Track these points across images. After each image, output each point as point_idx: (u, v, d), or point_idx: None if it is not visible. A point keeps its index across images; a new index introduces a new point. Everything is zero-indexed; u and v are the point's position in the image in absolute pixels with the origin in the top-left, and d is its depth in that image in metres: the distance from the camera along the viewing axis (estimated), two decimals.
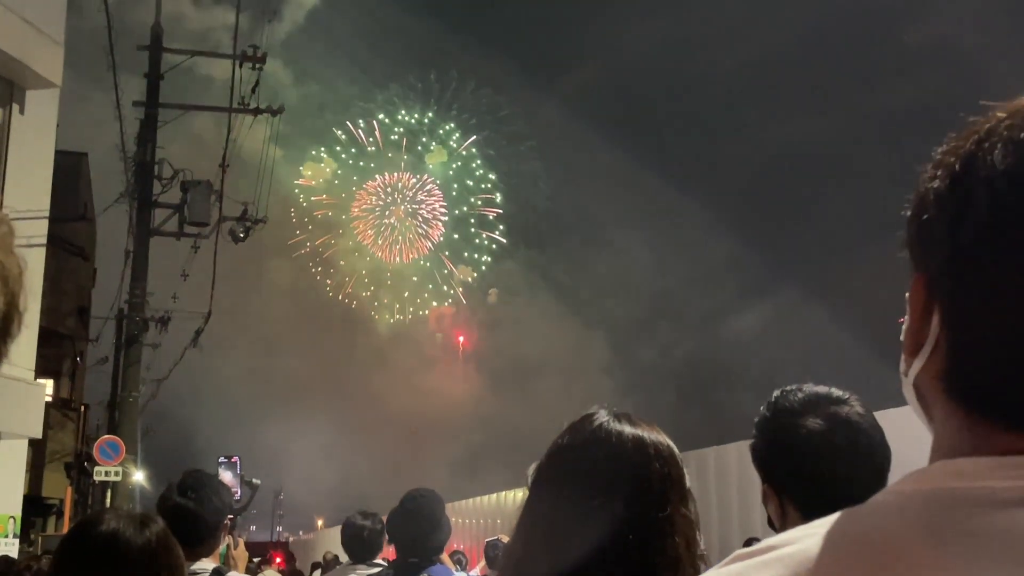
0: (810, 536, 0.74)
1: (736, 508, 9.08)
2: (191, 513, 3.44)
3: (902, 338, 0.84)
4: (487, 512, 20.94)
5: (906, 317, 0.83)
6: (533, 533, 1.68)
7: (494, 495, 20.76)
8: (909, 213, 0.82)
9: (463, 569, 10.93)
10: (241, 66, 19.80)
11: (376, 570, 4.93)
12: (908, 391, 0.83)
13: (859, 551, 0.70)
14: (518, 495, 18.66)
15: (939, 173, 0.79)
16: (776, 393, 1.92)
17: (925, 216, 0.79)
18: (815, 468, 1.72)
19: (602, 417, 1.73)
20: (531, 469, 1.78)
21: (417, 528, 4.12)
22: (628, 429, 1.70)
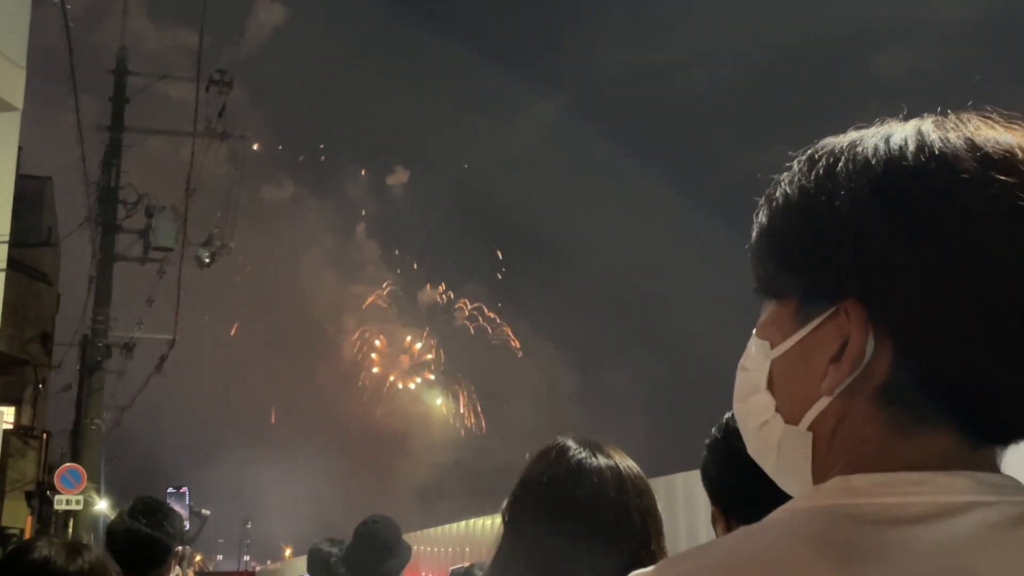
0: (702, 557, 0.72)
1: (704, 533, 9.16)
2: (142, 537, 3.40)
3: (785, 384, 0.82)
4: (455, 540, 20.81)
5: (792, 356, 0.81)
6: (510, 572, 1.65)
7: (462, 523, 20.64)
8: (801, 247, 0.80)
9: None
10: (208, 90, 19.73)
11: None
12: (802, 439, 0.80)
13: (751, 569, 0.69)
14: (486, 523, 18.56)
15: (830, 196, 0.78)
16: (728, 415, 1.89)
17: (835, 239, 0.77)
18: (763, 490, 1.68)
19: (578, 451, 1.69)
20: (504, 504, 1.74)
21: (371, 555, 4.07)
22: (604, 462, 1.68)
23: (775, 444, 0.83)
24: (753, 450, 0.88)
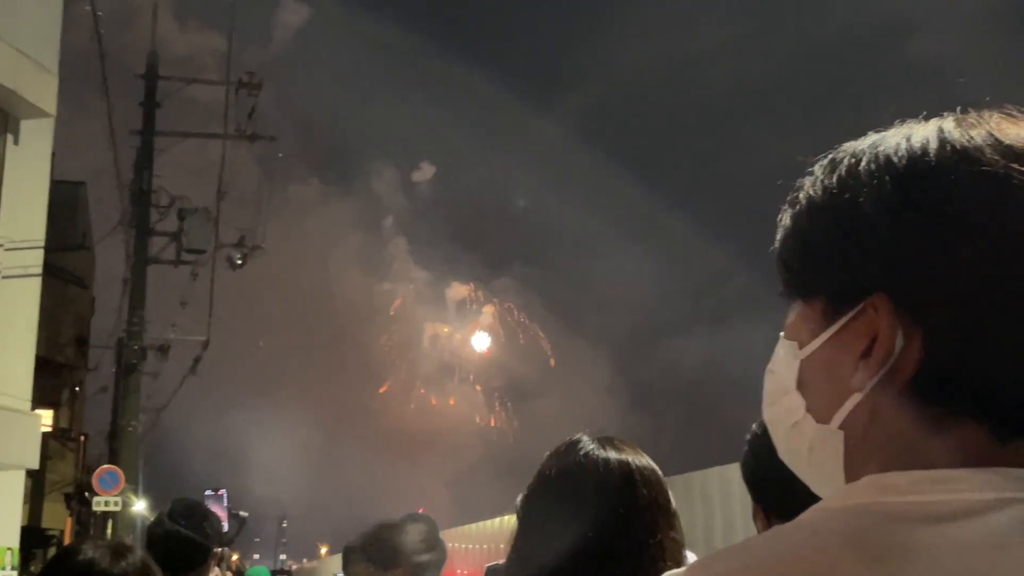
0: (734, 558, 0.72)
1: (720, 531, 9.20)
2: (182, 539, 3.43)
3: (818, 383, 0.82)
4: (489, 537, 20.85)
5: (820, 352, 0.81)
6: (524, 565, 1.68)
7: (496, 519, 20.67)
8: (826, 246, 0.81)
9: None
10: (236, 92, 19.86)
11: None
12: (833, 437, 0.81)
13: (785, 570, 0.69)
14: None
15: (854, 194, 0.80)
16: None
17: (861, 237, 0.78)
18: (803, 486, 1.68)
19: (587, 444, 1.73)
20: (519, 499, 1.76)
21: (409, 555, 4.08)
22: (613, 455, 1.70)
23: (807, 444, 0.83)
24: (784, 452, 0.88)
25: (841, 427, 0.80)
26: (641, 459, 1.72)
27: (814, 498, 0.86)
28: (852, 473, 0.79)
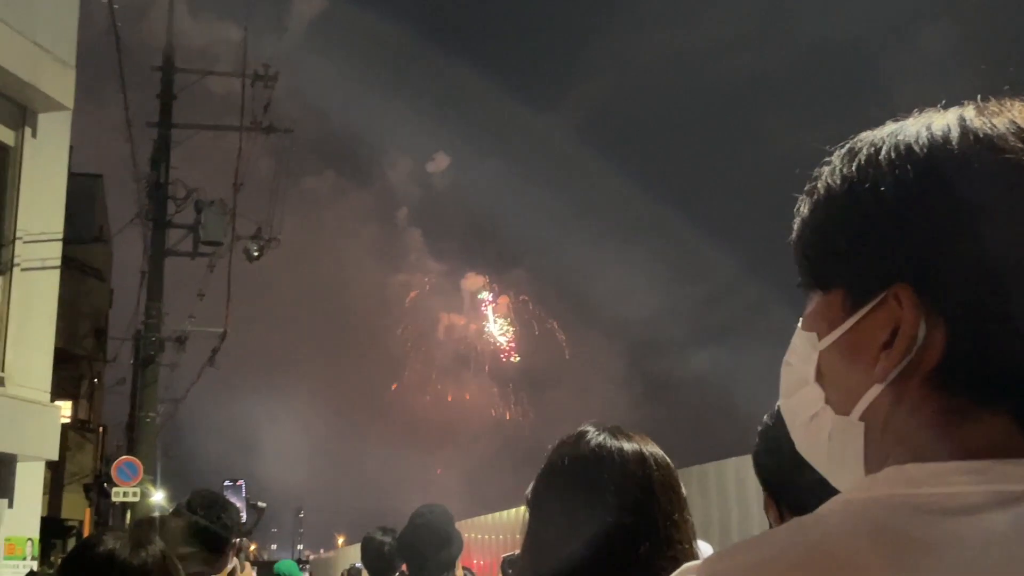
0: (753, 550, 0.72)
1: (736, 522, 9.19)
2: (200, 530, 3.45)
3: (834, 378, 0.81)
4: (505, 527, 20.88)
5: (835, 347, 0.81)
6: (542, 556, 1.69)
7: (512, 510, 20.69)
8: (846, 236, 0.80)
9: None
10: (253, 85, 19.90)
11: None
12: (853, 429, 0.80)
13: (805, 563, 0.68)
14: None
15: (874, 183, 0.79)
16: (780, 402, 1.89)
17: (881, 226, 0.77)
18: (815, 478, 1.68)
19: (596, 434, 1.74)
20: (529, 490, 1.78)
21: (426, 544, 4.10)
22: (626, 444, 1.72)
23: (825, 437, 0.82)
24: (802, 445, 0.87)
25: (861, 418, 0.79)
26: (651, 446, 1.74)
27: (826, 490, 0.86)
28: (872, 465, 0.78)
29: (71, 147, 14.72)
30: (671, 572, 0.76)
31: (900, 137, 0.79)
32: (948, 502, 0.69)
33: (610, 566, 1.57)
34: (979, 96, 0.81)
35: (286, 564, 8.89)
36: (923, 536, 0.67)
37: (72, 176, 15.32)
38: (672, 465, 1.75)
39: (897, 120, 0.83)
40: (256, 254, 20.09)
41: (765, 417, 1.91)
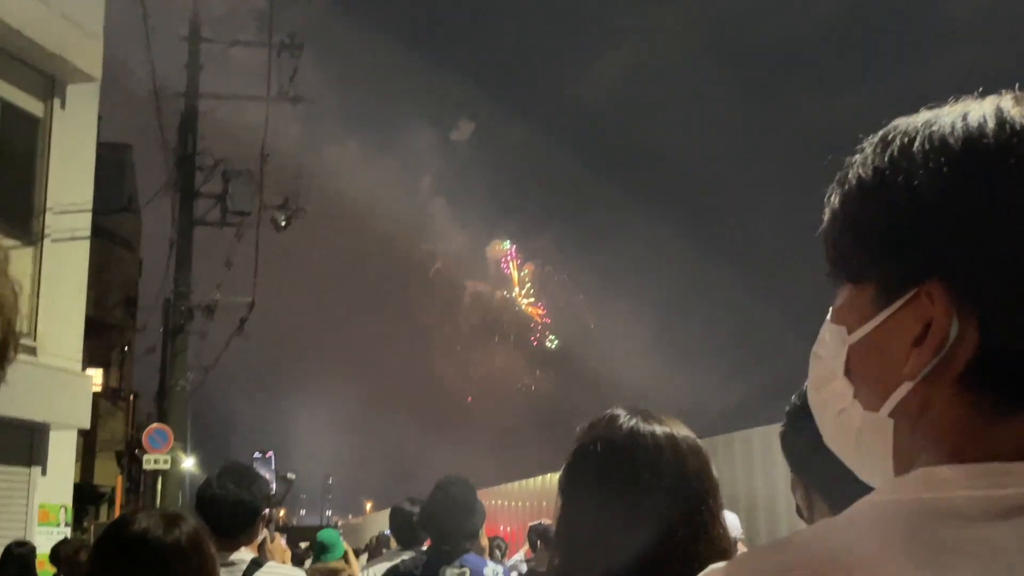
0: (781, 552, 0.71)
1: (761, 493, 9.12)
2: (230, 502, 3.49)
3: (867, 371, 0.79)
4: (532, 495, 20.98)
5: (867, 343, 0.79)
6: (576, 541, 1.69)
7: (539, 477, 20.77)
8: (879, 230, 0.78)
9: (503, 555, 10.93)
10: (279, 55, 19.89)
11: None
12: (883, 426, 0.79)
13: (833, 569, 0.66)
14: None
15: (907, 176, 0.76)
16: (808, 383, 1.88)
17: (915, 221, 0.75)
18: (841, 460, 1.68)
19: (628, 419, 1.73)
20: (560, 474, 1.78)
21: (449, 515, 4.14)
22: (658, 428, 1.71)
23: (854, 432, 0.81)
24: (830, 438, 0.86)
25: (891, 415, 0.77)
26: (682, 430, 1.74)
27: (852, 475, 0.86)
28: (902, 463, 0.77)
29: (99, 117, 14.80)
30: (708, 559, 0.75)
31: (935, 128, 0.77)
32: (980, 506, 0.68)
33: (647, 553, 1.56)
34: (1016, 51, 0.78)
35: (328, 532, 8.96)
36: (954, 542, 0.66)
37: (101, 146, 15.41)
38: (704, 450, 1.74)
39: (932, 108, 0.81)
40: (283, 224, 20.16)
41: (793, 397, 1.90)
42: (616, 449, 1.69)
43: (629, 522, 1.60)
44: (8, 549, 7.79)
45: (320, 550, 8.55)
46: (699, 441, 1.75)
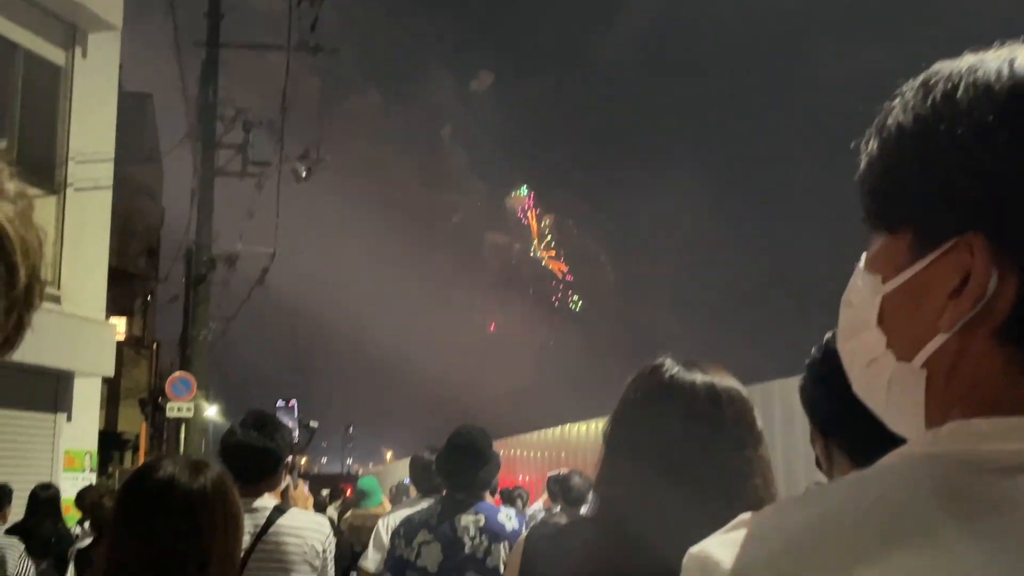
0: (812, 504, 0.70)
1: (780, 447, 9.12)
2: (253, 450, 3.52)
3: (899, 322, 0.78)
4: (550, 445, 21.09)
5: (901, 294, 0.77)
6: (615, 490, 1.71)
7: (557, 428, 20.87)
8: (918, 179, 0.76)
9: (524, 505, 11.04)
10: (299, 4, 19.75)
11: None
12: (915, 377, 0.77)
13: (867, 521, 0.66)
14: (581, 428, 18.75)
15: (950, 124, 0.74)
16: (828, 334, 1.88)
17: (956, 170, 0.73)
18: (864, 415, 1.67)
19: (671, 367, 1.74)
20: (605, 425, 1.80)
21: (465, 464, 4.17)
22: (700, 377, 1.72)
23: (885, 383, 0.79)
24: (860, 389, 0.85)
25: (924, 367, 0.76)
26: (726, 380, 1.74)
27: (874, 428, 0.85)
28: (933, 415, 0.76)
29: (121, 66, 14.78)
30: (746, 508, 0.75)
31: (979, 73, 0.74)
32: (1015, 460, 0.67)
33: (683, 501, 1.57)
34: None
35: (368, 480, 9.16)
36: (988, 495, 0.65)
37: (122, 96, 15.40)
38: (748, 400, 1.74)
39: (976, 52, 0.78)
40: (304, 175, 20.16)
41: (813, 350, 1.90)
42: (653, 398, 1.70)
43: (668, 469, 1.62)
44: (34, 493, 7.92)
45: (360, 496, 8.76)
46: (743, 392, 1.75)
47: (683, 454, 1.63)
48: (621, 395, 1.77)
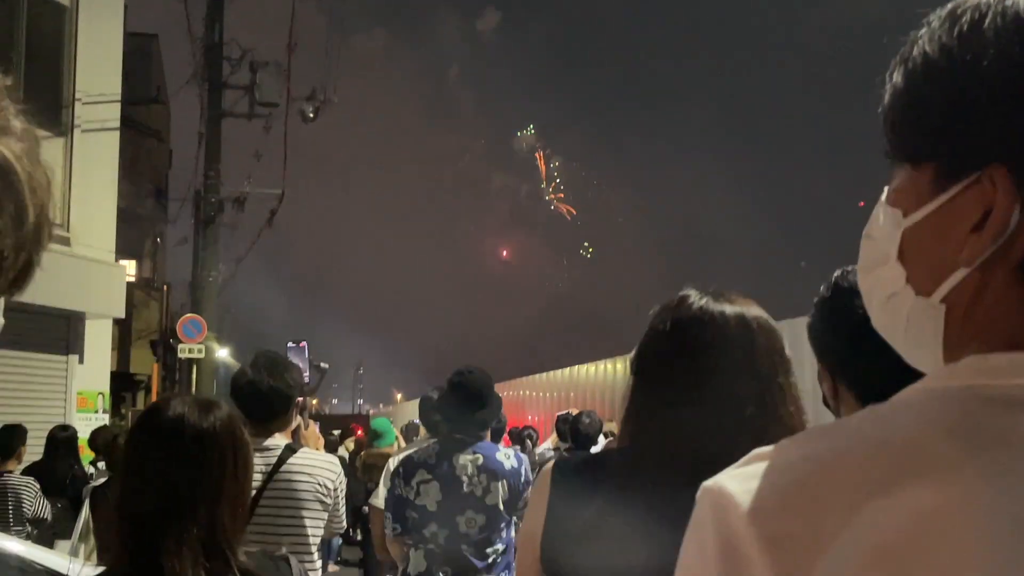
0: (828, 438, 0.70)
1: (811, 385, 9.15)
2: (264, 389, 3.53)
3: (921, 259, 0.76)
4: (559, 386, 21.22)
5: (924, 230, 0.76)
6: (646, 421, 1.70)
7: (567, 369, 20.98)
8: (943, 111, 0.74)
9: (534, 445, 11.13)
10: None
11: None
12: (934, 311, 0.76)
13: (881, 454, 0.66)
14: (590, 369, 18.85)
15: (976, 56, 0.72)
16: (837, 273, 1.87)
17: (982, 103, 0.72)
18: (871, 353, 1.67)
19: (699, 298, 1.73)
20: (632, 355, 1.79)
21: (465, 405, 4.20)
22: (728, 307, 1.71)
23: (904, 317, 0.78)
24: (879, 323, 0.84)
25: (943, 301, 0.75)
26: (754, 309, 1.74)
27: (879, 365, 0.85)
28: (951, 350, 0.75)
29: (125, 6, 14.65)
30: (776, 437, 0.74)
31: (1008, 3, 0.72)
32: None
33: (715, 430, 1.57)
34: None
35: (381, 421, 9.31)
36: (1006, 429, 0.65)
37: (127, 37, 15.28)
38: (776, 329, 1.73)
39: None
40: (311, 115, 20.06)
41: (822, 288, 1.89)
42: (684, 328, 1.69)
43: (697, 400, 1.61)
44: (51, 434, 8.01)
45: (373, 437, 8.92)
46: (771, 321, 1.74)
47: (718, 381, 1.62)
48: (647, 327, 1.75)
